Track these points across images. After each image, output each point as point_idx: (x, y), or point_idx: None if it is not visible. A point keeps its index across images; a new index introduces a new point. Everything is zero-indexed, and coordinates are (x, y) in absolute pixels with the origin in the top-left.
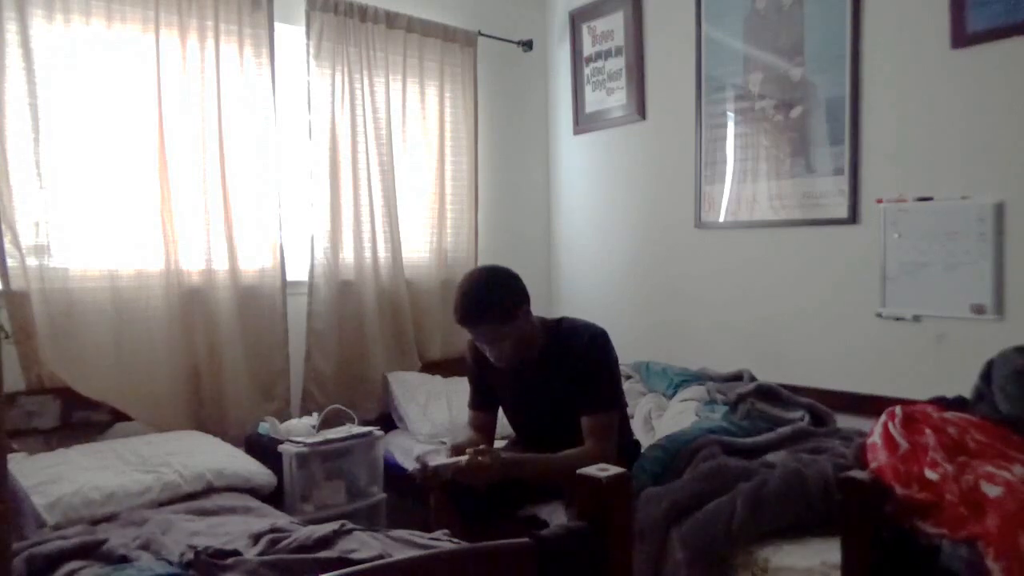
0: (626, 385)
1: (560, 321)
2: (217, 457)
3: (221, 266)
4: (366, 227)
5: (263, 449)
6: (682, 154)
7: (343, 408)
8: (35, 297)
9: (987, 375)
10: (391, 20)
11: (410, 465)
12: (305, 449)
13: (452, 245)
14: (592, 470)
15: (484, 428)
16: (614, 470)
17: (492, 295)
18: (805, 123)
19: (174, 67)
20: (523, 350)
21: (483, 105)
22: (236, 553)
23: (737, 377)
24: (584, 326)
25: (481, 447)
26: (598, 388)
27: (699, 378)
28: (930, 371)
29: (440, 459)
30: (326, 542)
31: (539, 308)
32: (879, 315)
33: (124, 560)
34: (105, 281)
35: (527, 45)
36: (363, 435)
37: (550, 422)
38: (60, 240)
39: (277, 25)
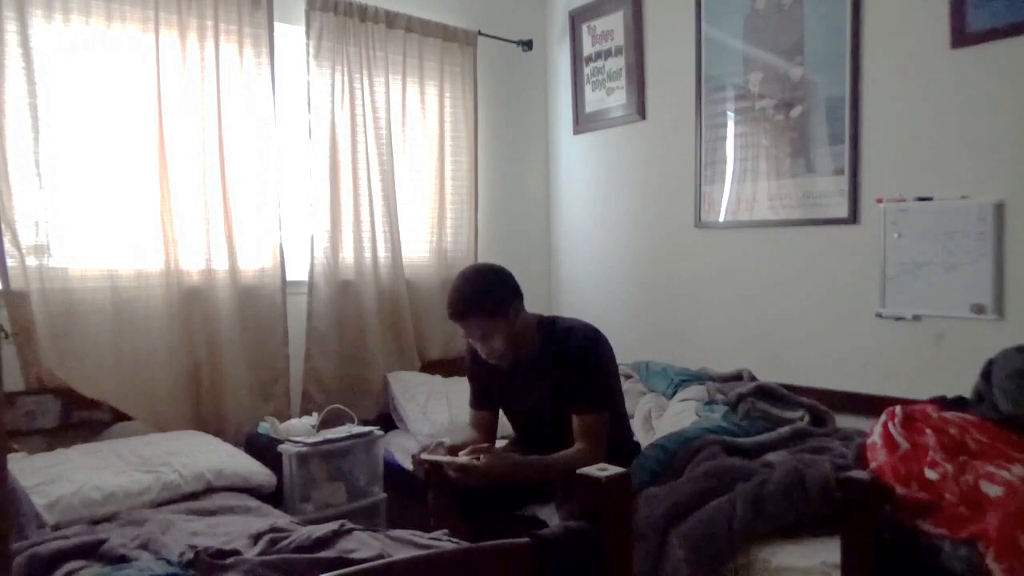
0: (626, 385)
1: (554, 320)
2: (217, 457)
3: (221, 266)
4: (366, 227)
5: (263, 449)
6: (682, 154)
7: (343, 408)
8: (35, 297)
9: (987, 375)
10: (391, 20)
11: (410, 465)
12: (305, 449)
13: (452, 245)
14: (592, 470)
15: (485, 427)
16: (614, 470)
17: (482, 288)
18: (805, 123)
19: (174, 67)
20: (516, 348)
21: (483, 105)
22: (236, 553)
23: (737, 377)
24: (578, 326)
25: (479, 445)
26: (588, 389)
27: (699, 378)
28: (930, 371)
29: (440, 454)
30: (326, 542)
31: (539, 308)
32: (879, 315)
33: (124, 560)
34: (105, 281)
35: (527, 45)
36: (363, 435)
37: (547, 421)
38: (60, 240)
39: (277, 25)
